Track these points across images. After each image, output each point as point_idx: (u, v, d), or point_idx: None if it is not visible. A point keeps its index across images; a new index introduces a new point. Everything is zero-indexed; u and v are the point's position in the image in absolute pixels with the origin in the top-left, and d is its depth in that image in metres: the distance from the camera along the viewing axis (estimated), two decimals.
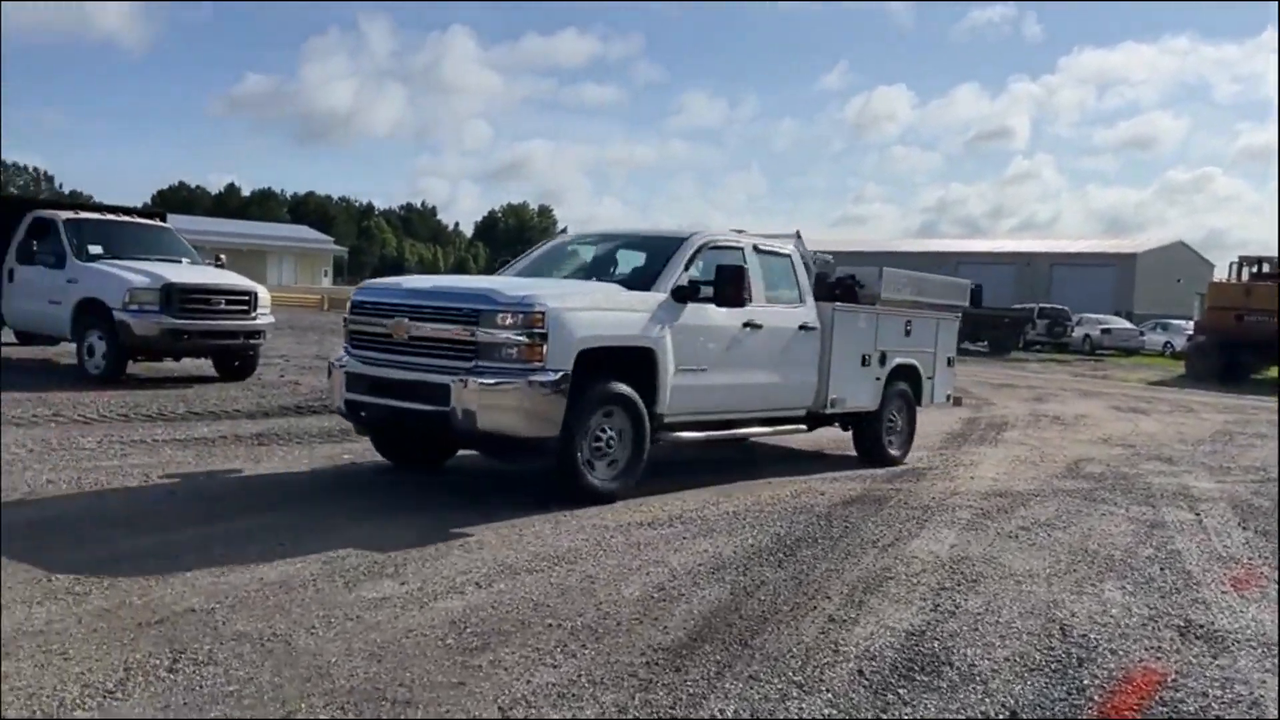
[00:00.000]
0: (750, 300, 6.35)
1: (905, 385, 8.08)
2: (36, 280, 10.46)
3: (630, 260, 6.86)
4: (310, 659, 3.12)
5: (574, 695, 2.98)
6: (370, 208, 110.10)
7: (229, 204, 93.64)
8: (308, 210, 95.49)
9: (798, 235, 7.82)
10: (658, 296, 5.93)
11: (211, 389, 10.24)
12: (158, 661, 3.00)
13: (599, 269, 6.94)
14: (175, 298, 9.77)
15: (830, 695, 3.11)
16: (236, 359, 10.96)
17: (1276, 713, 3.16)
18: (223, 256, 12.72)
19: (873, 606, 4.12)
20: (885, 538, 5.42)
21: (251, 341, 10.78)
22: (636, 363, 5.70)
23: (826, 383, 7.16)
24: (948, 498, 6.76)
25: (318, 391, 10.02)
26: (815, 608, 4.05)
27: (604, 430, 5.55)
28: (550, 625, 3.64)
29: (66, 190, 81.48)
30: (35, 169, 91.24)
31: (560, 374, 5.21)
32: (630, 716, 2.86)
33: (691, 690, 3.09)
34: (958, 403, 9.61)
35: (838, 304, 7.38)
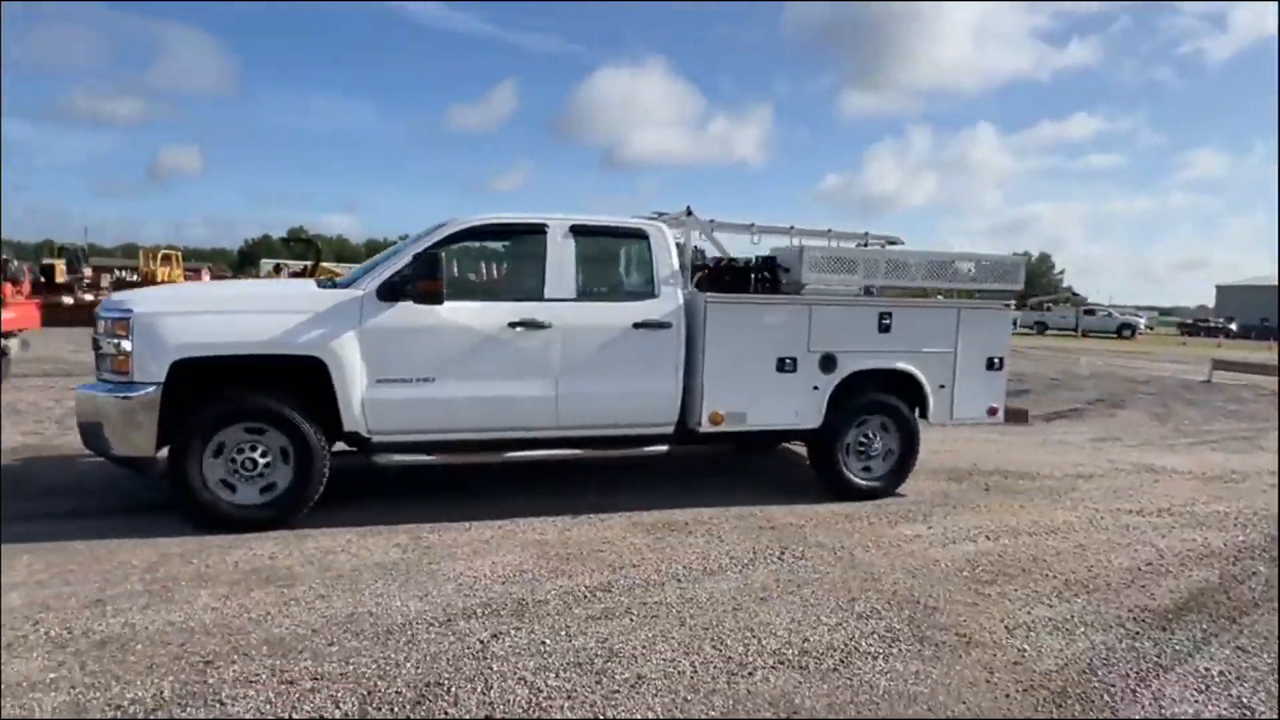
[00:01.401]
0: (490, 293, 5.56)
1: (889, 397, 6.15)
2: None
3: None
4: (866, 568, 4.68)
5: (1067, 629, 3.91)
6: None
7: None
8: None
9: (687, 211, 6.43)
10: (352, 294, 5.03)
11: None
12: (771, 551, 4.93)
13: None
14: None
15: None
16: None
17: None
18: None
19: None
20: None
21: None
22: (307, 373, 4.89)
23: (700, 393, 5.64)
24: None
25: None
26: None
27: (246, 450, 4.85)
28: (1047, 575, 4.57)
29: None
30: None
31: (149, 387, 4.66)
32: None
33: (1177, 647, 3.72)
34: (1019, 419, 7.21)
35: (712, 294, 5.75)
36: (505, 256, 6.11)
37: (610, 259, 6.02)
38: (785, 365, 5.85)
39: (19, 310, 10.63)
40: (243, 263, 71.17)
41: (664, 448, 5.73)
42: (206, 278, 33.08)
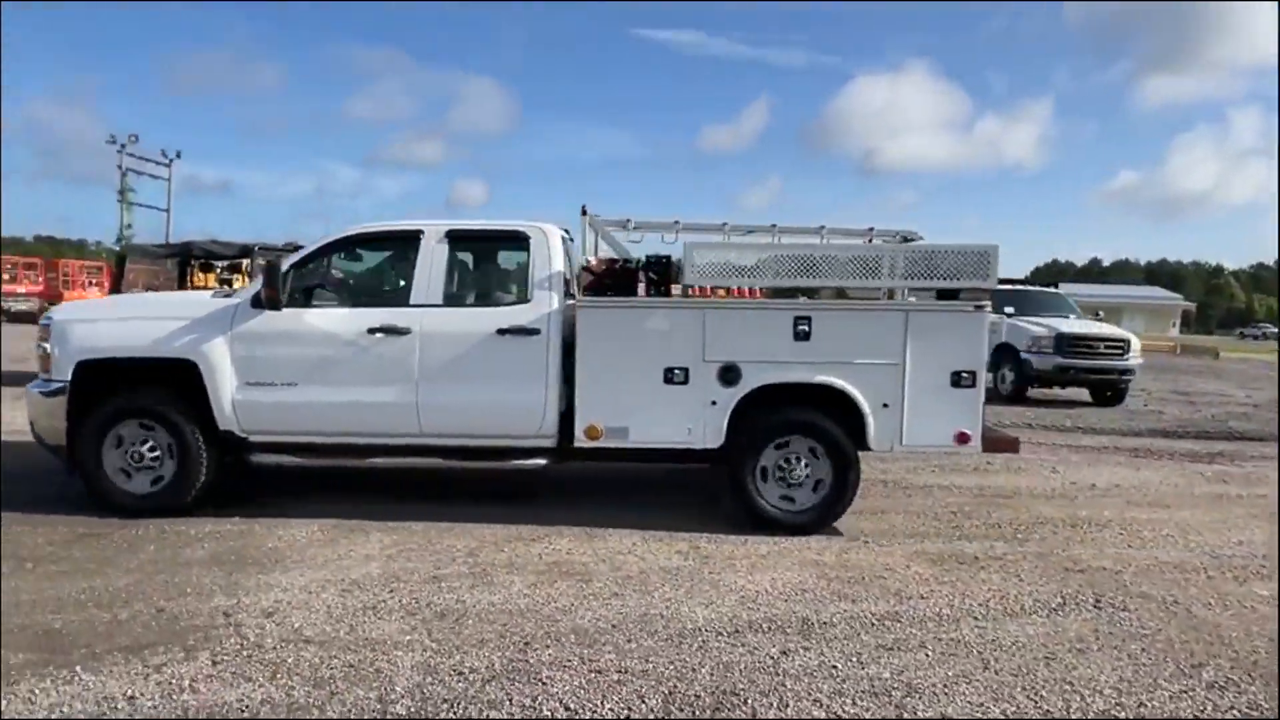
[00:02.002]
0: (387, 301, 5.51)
1: (813, 416, 5.23)
2: None
3: None
4: (1210, 628, 3.98)
5: None
6: (1219, 268, 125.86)
7: (1090, 273, 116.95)
8: (1160, 274, 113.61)
9: (582, 211, 5.86)
10: (229, 302, 5.41)
11: (1089, 411, 12.47)
12: (1083, 597, 4.38)
13: None
14: (1065, 343, 12.85)
15: None
16: (1109, 390, 13.46)
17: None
18: (1101, 313, 15.53)
19: None
20: None
21: (1124, 377, 13.32)
22: (188, 375, 5.24)
23: (563, 404, 5.26)
24: None
25: (1180, 420, 11.77)
26: None
27: (140, 443, 5.30)
28: None
29: None
30: None
31: (59, 385, 5.26)
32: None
33: None
34: (1004, 448, 5.56)
35: (584, 298, 5.30)
36: (384, 264, 6.02)
37: (490, 264, 5.93)
38: (674, 376, 5.21)
39: None
40: None
41: (541, 462, 5.37)
42: None
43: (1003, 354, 13.35)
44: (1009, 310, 14.01)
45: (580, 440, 5.28)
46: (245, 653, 3.42)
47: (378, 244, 5.80)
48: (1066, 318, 14.03)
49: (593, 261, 5.61)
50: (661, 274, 5.45)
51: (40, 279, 30.53)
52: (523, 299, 5.39)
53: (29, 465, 6.46)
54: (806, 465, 5.29)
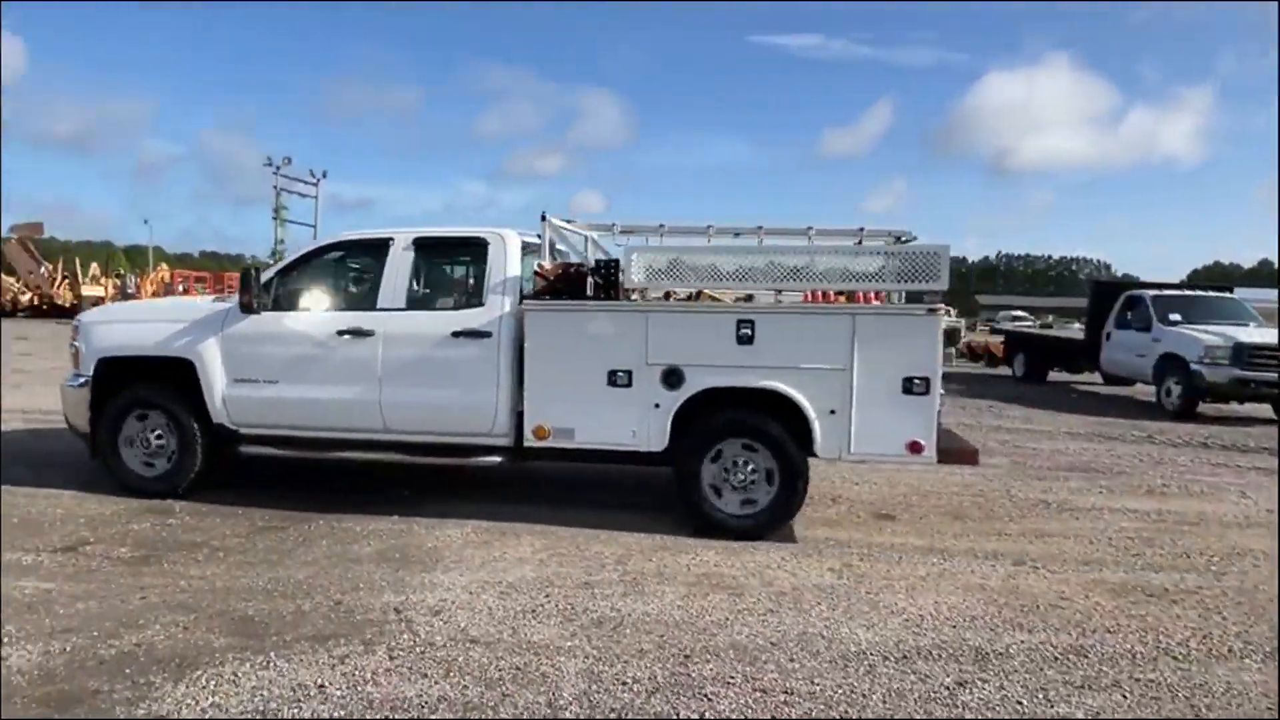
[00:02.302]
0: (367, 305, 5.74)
1: (759, 421, 5.07)
2: (1127, 340, 13.76)
3: None
4: None
5: None
6: None
7: (1258, 275, 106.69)
8: None
9: (542, 217, 5.72)
10: (223, 306, 5.87)
11: (1272, 429, 10.88)
12: None
13: None
14: (1245, 354, 11.54)
15: None
16: None
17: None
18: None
19: None
20: None
21: None
22: (187, 371, 5.74)
23: (515, 405, 5.39)
24: None
25: None
26: None
27: (149, 431, 5.89)
28: None
29: (1119, 273, 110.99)
30: (1096, 260, 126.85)
31: (84, 379, 5.95)
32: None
33: None
34: (961, 460, 5.25)
35: (531, 301, 5.36)
36: (360, 270, 6.24)
37: (452, 269, 6.10)
38: (618, 379, 5.23)
39: None
40: None
41: (497, 459, 5.49)
42: None
43: (1168, 365, 12.23)
44: (1174, 317, 12.85)
45: (529, 440, 5.37)
46: (419, 649, 3.55)
47: (353, 251, 6.13)
48: (1245, 325, 12.67)
49: (547, 265, 5.63)
50: (608, 277, 5.38)
51: (209, 290, 33.77)
52: (478, 303, 5.53)
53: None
54: (752, 471, 5.21)
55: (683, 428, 5.21)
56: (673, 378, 5.18)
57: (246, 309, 5.64)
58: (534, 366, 5.32)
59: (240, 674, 3.28)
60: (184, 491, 5.81)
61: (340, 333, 5.59)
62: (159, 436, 5.88)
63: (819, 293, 5.56)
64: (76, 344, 6.12)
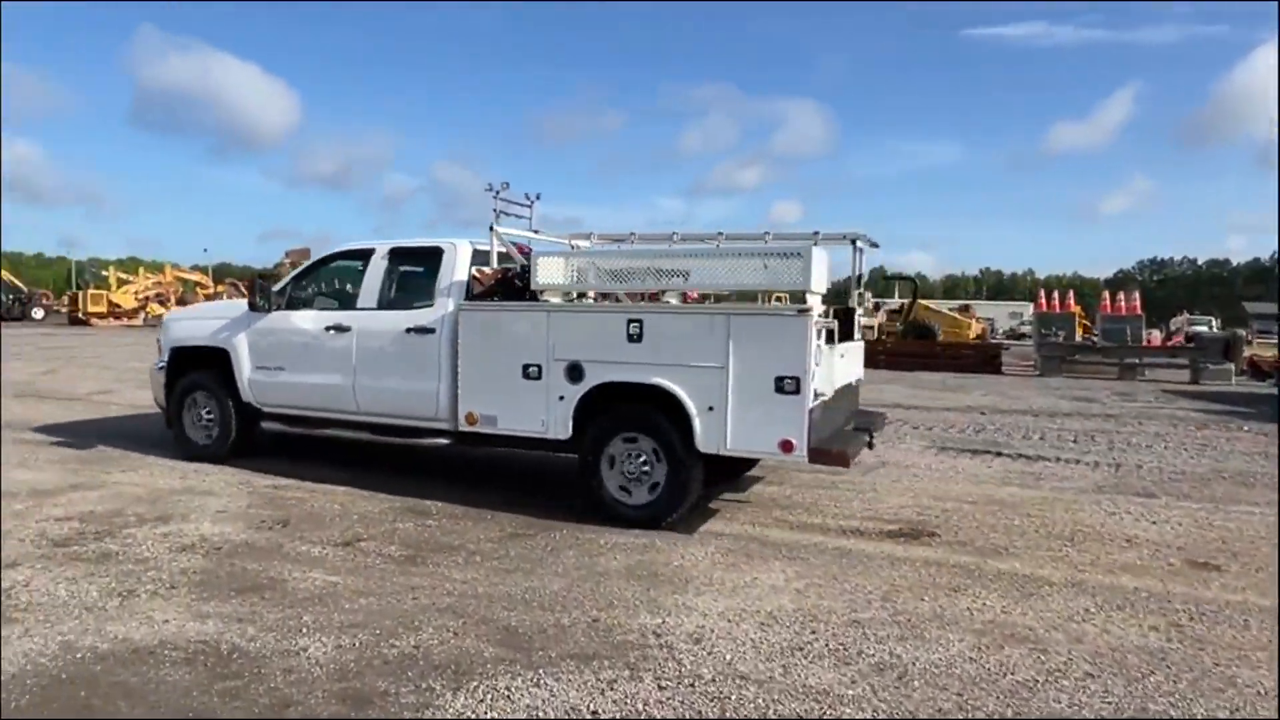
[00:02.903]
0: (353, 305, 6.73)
1: (649, 415, 5.38)
2: None
3: None
4: None
5: None
6: None
7: None
8: None
9: (490, 227, 6.15)
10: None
11: None
12: None
13: None
14: None
15: None
16: None
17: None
18: None
19: None
20: None
21: None
22: (224, 359, 7.06)
23: (453, 394, 5.89)
24: None
25: None
26: None
27: (199, 406, 7.29)
28: None
29: None
30: None
31: (162, 364, 7.55)
32: None
33: None
34: (831, 461, 5.19)
35: (464, 302, 5.95)
36: (349, 276, 7.15)
37: (416, 274, 6.62)
38: (530, 372, 5.72)
39: None
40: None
41: (443, 441, 6.16)
42: None
43: None
44: None
45: (463, 425, 5.96)
46: (687, 681, 3.31)
47: (348, 260, 7.01)
48: None
49: (486, 271, 6.11)
50: (525, 281, 5.84)
51: None
52: (429, 304, 6.19)
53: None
54: (645, 462, 5.45)
55: (585, 419, 5.56)
56: (575, 372, 5.57)
57: (253, 309, 6.88)
58: (465, 360, 5.94)
59: (513, 689, 3.21)
60: (224, 457, 7.13)
61: (328, 328, 6.61)
62: (209, 412, 7.23)
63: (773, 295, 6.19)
64: (159, 337, 7.69)
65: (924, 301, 38.61)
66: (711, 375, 5.18)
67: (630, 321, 5.41)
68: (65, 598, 4.07)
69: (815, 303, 5.14)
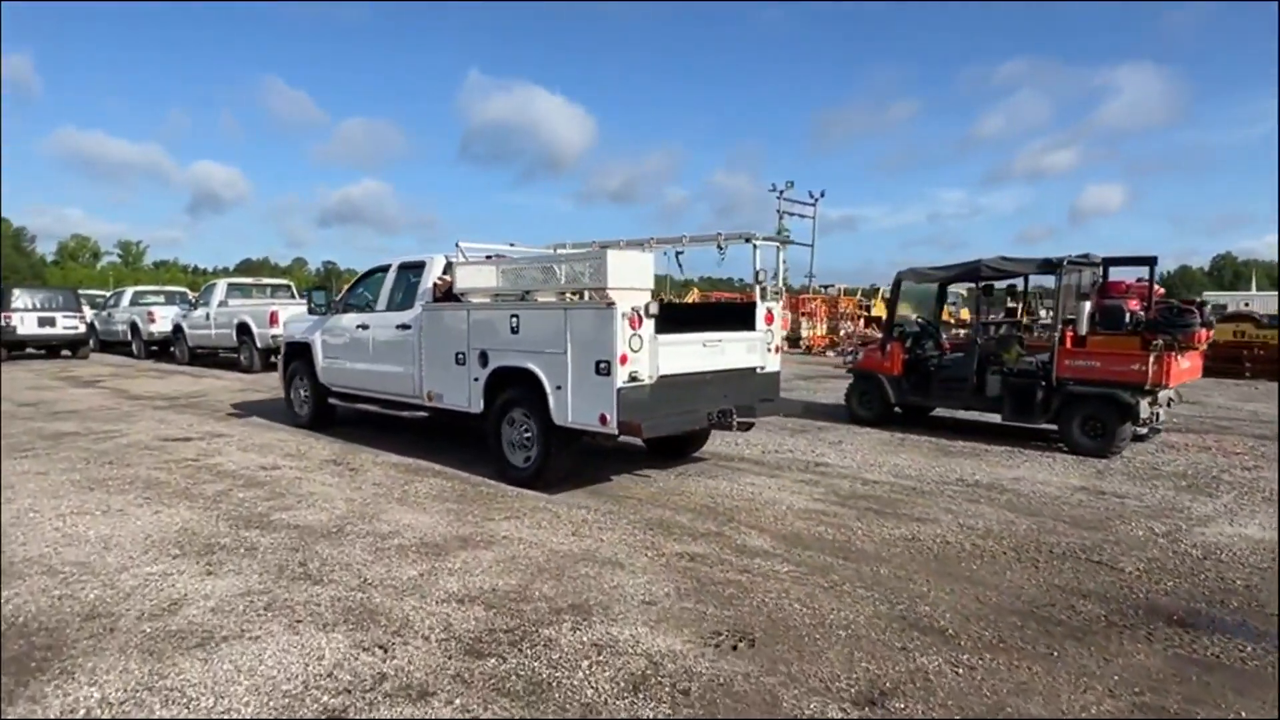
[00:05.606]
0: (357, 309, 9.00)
1: (527, 393, 6.49)
2: None
3: None
4: None
5: None
6: None
7: None
8: None
9: (456, 244, 7.45)
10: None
11: None
12: None
13: None
14: None
15: None
16: None
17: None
18: None
19: None
20: None
21: None
22: (309, 351, 9.42)
23: (421, 377, 7.54)
24: None
25: None
26: None
27: (300, 389, 9.85)
28: None
29: None
30: None
31: (279, 352, 10.65)
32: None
33: None
34: (628, 432, 5.83)
35: (428, 303, 7.53)
36: (378, 284, 8.69)
37: (407, 284, 8.12)
38: (459, 359, 7.09)
39: None
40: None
41: (423, 413, 7.76)
42: None
43: None
44: None
45: (426, 401, 7.56)
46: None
47: (380, 272, 8.74)
48: None
49: (444, 279, 7.64)
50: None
51: None
52: (412, 306, 7.84)
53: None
54: (527, 432, 6.59)
55: (492, 397, 6.82)
56: (484, 358, 6.84)
57: (311, 313, 9.40)
58: (425, 349, 7.53)
59: None
60: (309, 425, 9.53)
61: (359, 326, 8.63)
62: (305, 392, 9.67)
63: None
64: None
65: None
66: (559, 360, 6.15)
67: (512, 316, 6.57)
68: None
69: (631, 298, 5.82)
